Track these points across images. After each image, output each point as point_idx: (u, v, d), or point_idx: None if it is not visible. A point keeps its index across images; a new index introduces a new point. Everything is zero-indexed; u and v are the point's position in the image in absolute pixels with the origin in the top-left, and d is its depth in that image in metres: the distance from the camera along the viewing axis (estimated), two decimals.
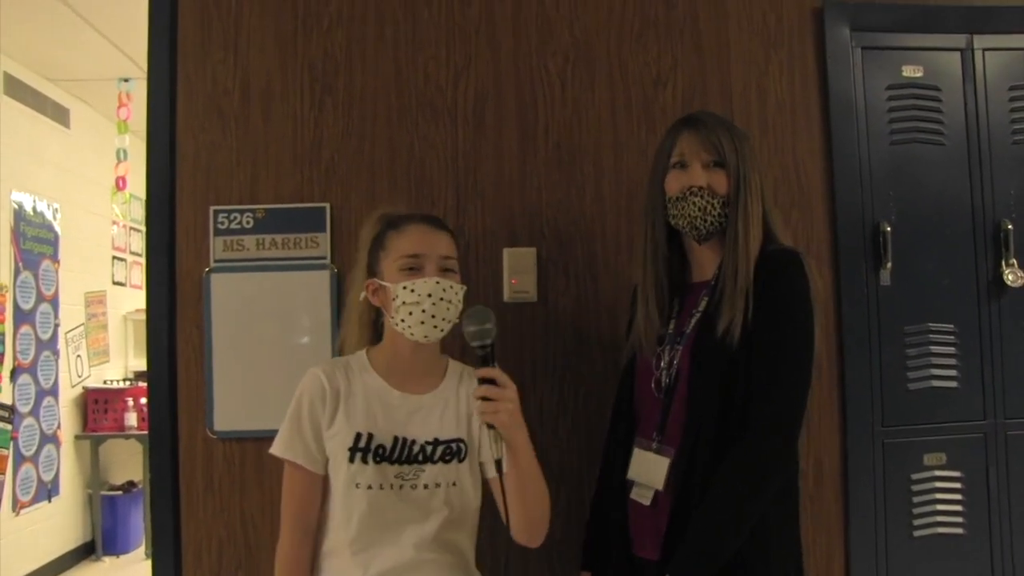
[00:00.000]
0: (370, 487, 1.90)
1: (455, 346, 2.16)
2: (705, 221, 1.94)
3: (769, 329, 1.84)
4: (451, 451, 1.96)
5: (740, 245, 1.90)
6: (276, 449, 1.97)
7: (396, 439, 1.94)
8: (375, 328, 2.10)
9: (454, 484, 1.95)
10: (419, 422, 1.97)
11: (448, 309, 1.94)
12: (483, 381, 1.81)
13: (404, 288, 1.92)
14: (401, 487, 1.91)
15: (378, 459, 1.91)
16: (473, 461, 2.00)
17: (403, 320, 1.93)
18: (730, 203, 1.94)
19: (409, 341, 1.97)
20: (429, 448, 1.94)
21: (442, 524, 1.92)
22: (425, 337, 1.95)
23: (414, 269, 1.94)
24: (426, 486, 1.92)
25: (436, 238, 2.00)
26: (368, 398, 1.98)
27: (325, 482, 1.97)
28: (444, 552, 1.93)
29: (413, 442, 1.94)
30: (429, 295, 1.92)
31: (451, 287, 1.95)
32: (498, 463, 1.83)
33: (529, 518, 1.95)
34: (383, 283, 1.97)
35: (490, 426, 1.81)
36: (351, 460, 1.90)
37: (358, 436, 1.92)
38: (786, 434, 1.83)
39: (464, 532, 2.00)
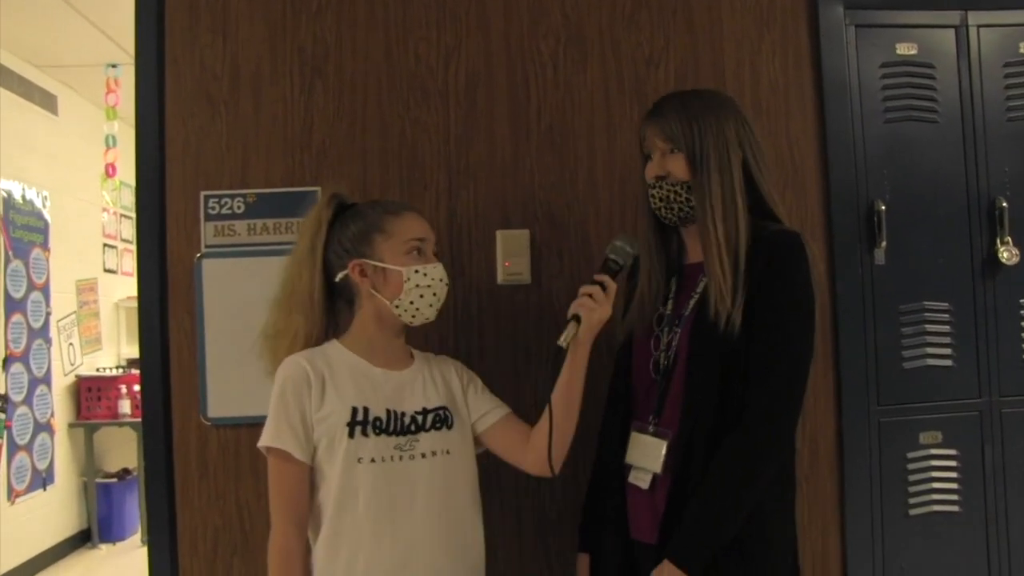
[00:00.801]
0: (372, 460, 1.91)
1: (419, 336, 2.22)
2: (671, 210, 1.94)
3: (769, 316, 1.83)
4: (440, 418, 2.00)
5: (708, 230, 1.88)
6: (265, 440, 1.94)
7: (389, 411, 1.95)
8: (331, 315, 2.09)
9: (447, 452, 1.98)
10: (406, 395, 2.01)
11: (446, 293, 2.03)
12: (598, 285, 1.91)
13: (417, 271, 1.97)
14: (401, 458, 1.93)
15: (377, 431, 1.92)
16: (463, 428, 2.06)
17: (412, 303, 1.97)
18: (693, 187, 1.91)
19: (394, 325, 2.03)
20: (420, 417, 1.98)
21: (445, 493, 1.95)
22: (426, 319, 2.02)
23: (420, 252, 2.00)
24: (423, 455, 1.95)
25: (428, 226, 2.06)
26: (354, 375, 1.99)
27: (311, 473, 1.96)
28: (453, 519, 1.97)
29: (403, 413, 1.97)
30: (441, 279, 2.01)
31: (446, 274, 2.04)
32: (556, 351, 1.92)
33: (565, 429, 2.03)
34: (386, 266, 1.97)
35: (575, 319, 1.89)
36: (351, 435, 1.90)
37: (355, 410, 1.92)
38: (783, 423, 1.83)
39: (467, 501, 2.02)
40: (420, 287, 1.97)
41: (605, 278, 1.91)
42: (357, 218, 2.03)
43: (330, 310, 2.08)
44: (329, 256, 2.03)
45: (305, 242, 2.06)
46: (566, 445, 2.04)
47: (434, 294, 1.99)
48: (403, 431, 1.95)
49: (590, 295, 1.89)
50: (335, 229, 2.04)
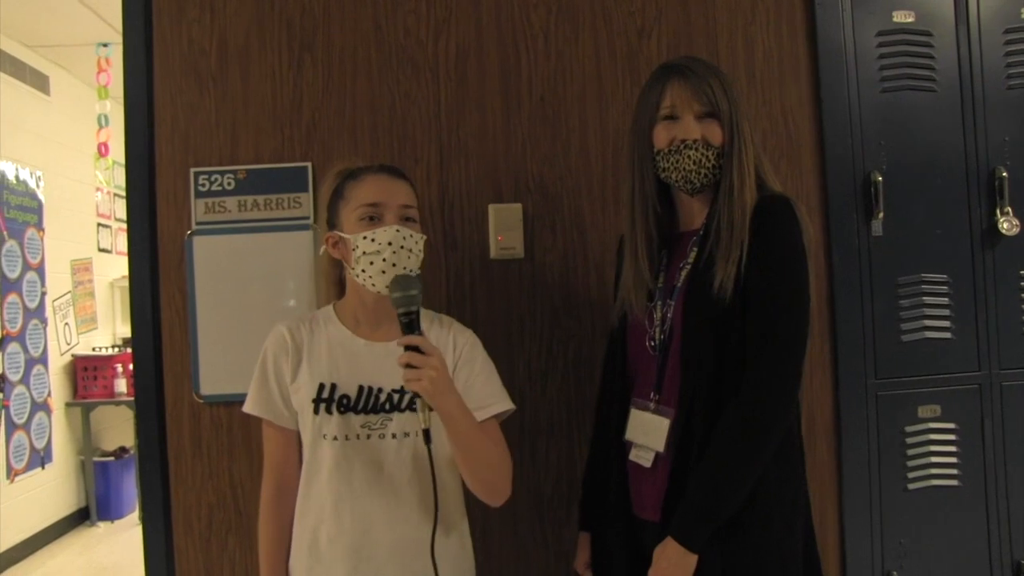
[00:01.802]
0: (336, 438, 1.89)
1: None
2: (700, 174, 1.89)
3: (764, 282, 1.80)
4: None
5: (736, 196, 1.85)
6: (246, 407, 1.98)
7: (361, 388, 1.92)
8: (340, 283, 2.05)
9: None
10: (387, 370, 1.89)
11: (409, 258, 1.88)
12: (408, 349, 1.75)
13: (364, 238, 1.87)
14: (368, 437, 1.90)
15: (342, 409, 1.90)
16: None
17: (363, 271, 1.88)
18: (724, 154, 1.88)
19: (372, 292, 1.92)
20: (396, 396, 1.91)
21: (415, 474, 1.89)
22: (386, 287, 1.87)
23: (374, 219, 1.89)
24: (394, 435, 1.90)
25: (395, 187, 1.94)
26: (332, 348, 1.96)
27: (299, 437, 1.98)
28: (422, 503, 1.90)
29: (380, 390, 1.92)
30: (389, 243, 1.86)
31: (411, 236, 1.89)
32: (425, 433, 1.77)
33: (480, 481, 1.90)
34: (343, 235, 1.92)
35: (417, 395, 1.75)
36: (315, 411, 1.90)
37: (321, 387, 1.91)
38: (781, 392, 1.79)
39: (443, 482, 1.92)
40: (368, 254, 1.86)
41: (410, 339, 1.75)
42: (336, 190, 1.99)
43: (341, 282, 2.05)
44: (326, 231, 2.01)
45: (320, 221, 2.06)
46: (486, 481, 1.90)
47: (383, 259, 1.85)
48: (375, 409, 1.91)
49: (408, 364, 1.73)
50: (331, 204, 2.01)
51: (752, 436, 1.76)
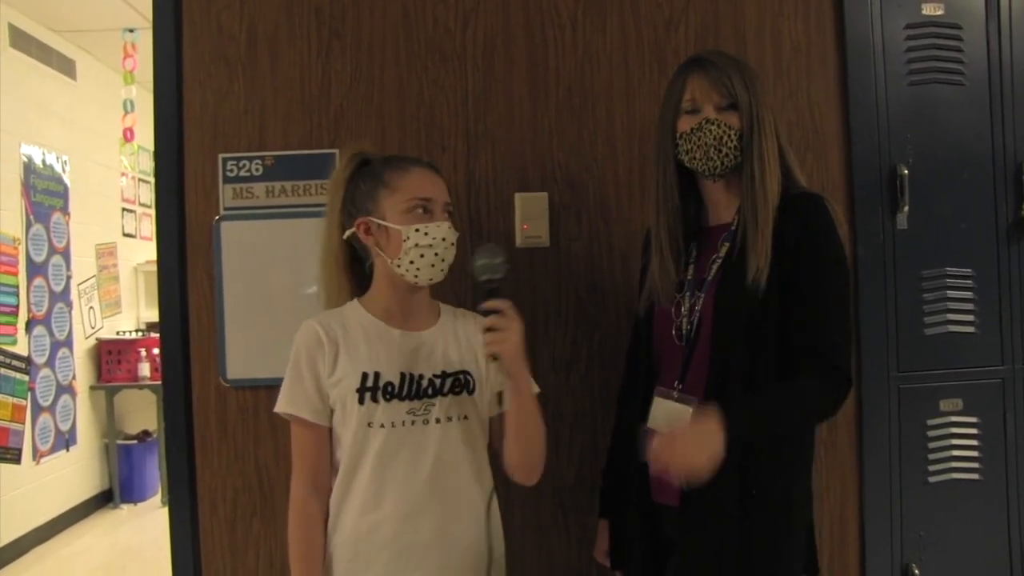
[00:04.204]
0: (382, 426, 1.90)
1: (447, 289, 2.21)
2: (720, 152, 1.89)
3: (809, 273, 1.83)
4: (460, 383, 1.96)
5: (757, 185, 1.87)
6: (280, 407, 1.96)
7: (404, 375, 1.93)
8: (353, 272, 2.06)
9: (465, 417, 1.95)
10: (424, 357, 1.96)
11: (453, 254, 1.96)
12: (490, 313, 1.83)
13: (417, 231, 1.90)
14: (413, 423, 1.91)
15: (388, 397, 1.91)
16: (482, 395, 1.99)
17: (412, 262, 1.91)
18: (744, 142, 1.90)
19: (406, 283, 1.96)
20: (438, 381, 1.94)
21: (457, 458, 1.92)
22: (430, 280, 1.95)
23: (426, 211, 1.93)
24: (438, 420, 1.92)
25: (441, 184, 2.00)
26: (369, 339, 1.96)
27: (332, 433, 1.98)
28: (461, 487, 1.93)
29: (421, 376, 1.93)
30: (443, 239, 1.92)
31: (455, 233, 1.96)
32: (499, 396, 1.88)
33: (527, 455, 1.96)
34: (386, 223, 1.94)
35: (494, 358, 1.84)
36: (361, 402, 1.90)
37: (365, 376, 1.91)
38: (847, 361, 1.85)
39: (480, 466, 1.99)
40: (420, 247, 1.90)
41: (493, 303, 1.85)
42: (368, 175, 2.00)
43: (353, 269, 2.06)
44: (344, 215, 2.02)
45: (329, 201, 2.05)
46: (534, 456, 1.98)
47: (436, 254, 1.92)
48: (419, 395, 1.92)
49: (491, 328, 1.83)
50: (351, 187, 2.02)
51: (828, 392, 1.83)
